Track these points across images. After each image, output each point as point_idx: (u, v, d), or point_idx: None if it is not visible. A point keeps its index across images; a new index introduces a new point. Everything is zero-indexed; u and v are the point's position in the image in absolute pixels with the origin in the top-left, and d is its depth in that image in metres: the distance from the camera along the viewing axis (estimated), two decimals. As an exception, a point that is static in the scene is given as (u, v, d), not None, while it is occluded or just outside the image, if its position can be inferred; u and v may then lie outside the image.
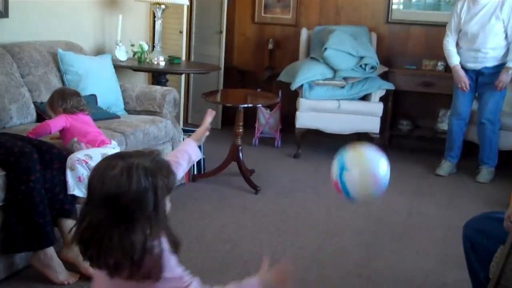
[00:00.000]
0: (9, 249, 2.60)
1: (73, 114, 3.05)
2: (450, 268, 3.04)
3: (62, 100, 3.07)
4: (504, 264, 1.79)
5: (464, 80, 4.63)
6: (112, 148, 3.01)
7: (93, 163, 2.79)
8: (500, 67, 4.53)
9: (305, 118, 5.10)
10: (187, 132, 4.33)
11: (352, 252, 3.23)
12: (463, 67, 4.65)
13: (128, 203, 1.32)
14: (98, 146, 2.98)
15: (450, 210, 4.00)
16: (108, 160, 1.38)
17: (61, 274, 2.66)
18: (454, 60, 4.67)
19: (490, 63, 4.55)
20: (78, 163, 2.79)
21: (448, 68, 4.93)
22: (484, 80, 4.59)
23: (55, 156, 2.79)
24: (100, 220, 1.32)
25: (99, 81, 3.97)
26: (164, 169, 1.44)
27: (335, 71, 5.07)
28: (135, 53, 4.90)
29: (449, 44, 4.70)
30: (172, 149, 3.99)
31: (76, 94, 3.17)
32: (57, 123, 3.02)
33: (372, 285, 2.86)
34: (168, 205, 1.50)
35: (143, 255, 1.33)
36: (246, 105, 4.16)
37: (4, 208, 2.57)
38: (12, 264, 2.69)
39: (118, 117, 3.82)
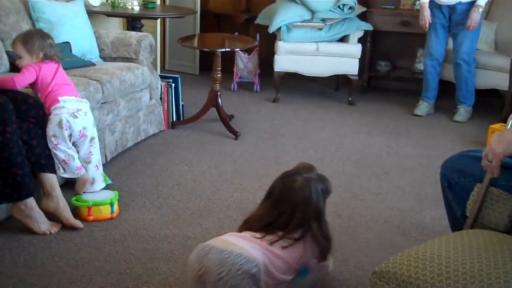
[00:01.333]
0: None
1: (44, 63, 2.90)
2: (428, 207, 3.11)
3: (44, 43, 2.89)
4: (481, 202, 1.83)
5: (425, 19, 4.62)
6: (75, 101, 2.92)
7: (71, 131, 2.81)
8: (474, 5, 4.50)
9: (283, 62, 5.06)
10: (164, 78, 4.29)
11: (332, 193, 3.26)
12: (437, 3, 4.61)
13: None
14: (53, 103, 2.83)
15: (428, 150, 4.05)
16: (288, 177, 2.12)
17: (43, 224, 2.66)
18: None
19: None
20: (56, 150, 2.78)
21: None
22: (457, 18, 4.56)
23: (31, 107, 2.75)
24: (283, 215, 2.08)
25: (72, 28, 3.87)
26: (326, 180, 2.17)
27: (313, 12, 5.00)
28: (108, -2, 4.78)
29: None
30: (150, 97, 3.95)
31: (52, 38, 3.03)
32: (25, 79, 2.84)
33: (351, 224, 2.92)
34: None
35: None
36: (223, 50, 4.10)
37: (-19, 161, 2.55)
38: (-7, 215, 2.69)
39: (93, 64, 3.75)
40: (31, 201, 2.64)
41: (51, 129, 2.79)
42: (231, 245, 1.94)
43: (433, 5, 4.65)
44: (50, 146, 2.79)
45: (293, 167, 2.20)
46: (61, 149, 2.80)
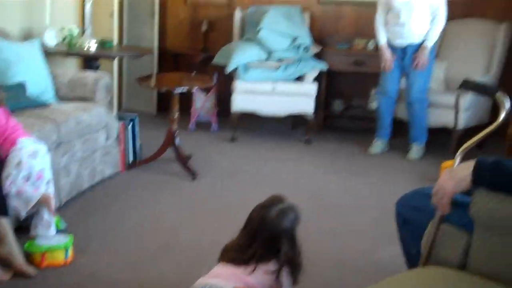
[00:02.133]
0: None
1: None
2: (384, 245, 3.14)
3: None
4: (433, 239, 1.86)
5: (387, 60, 4.75)
6: (33, 142, 2.87)
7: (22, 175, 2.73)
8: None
9: (241, 101, 5.11)
10: (122, 118, 4.27)
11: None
12: (390, 44, 4.76)
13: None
14: (11, 146, 2.79)
15: (383, 188, 4.11)
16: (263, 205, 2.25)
17: None
18: (381, 39, 4.78)
19: (416, 40, 4.65)
20: (11, 187, 2.70)
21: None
22: (410, 59, 4.71)
23: None
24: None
25: (28, 68, 3.83)
26: (296, 208, 2.30)
27: (269, 52, 5.09)
28: (64, 38, 4.75)
29: (378, 22, 4.80)
30: (107, 137, 3.92)
31: None
32: None
33: (307, 265, 2.90)
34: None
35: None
36: (181, 89, 4.12)
37: None
38: None
39: (49, 105, 3.71)
40: (3, 222, 2.56)
41: (9, 169, 2.72)
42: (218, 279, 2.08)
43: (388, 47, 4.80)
44: (6, 185, 2.71)
45: (267, 199, 2.35)
46: (16, 185, 2.71)
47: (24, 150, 2.76)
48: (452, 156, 1.96)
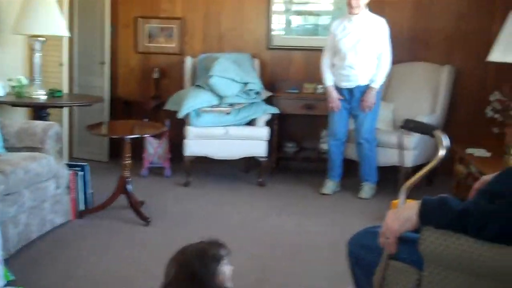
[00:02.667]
0: None
1: None
2: (340, 285, 3.14)
3: None
4: (383, 277, 1.89)
5: (334, 101, 4.86)
6: None
7: None
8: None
9: (193, 146, 5.12)
10: (72, 167, 4.21)
11: (245, 276, 3.26)
12: (337, 86, 4.88)
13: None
14: None
15: (336, 227, 4.15)
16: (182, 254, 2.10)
17: None
18: (327, 81, 4.90)
19: (363, 82, 4.79)
20: None
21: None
22: (357, 101, 4.83)
23: None
24: None
25: (-26, 119, 3.77)
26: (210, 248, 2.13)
27: (221, 97, 5.14)
28: (13, 88, 4.70)
29: (324, 65, 4.93)
30: (56, 185, 3.85)
31: None
32: None
33: (266, 307, 2.90)
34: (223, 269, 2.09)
35: None
36: (132, 136, 4.10)
37: None
38: None
39: (-4, 155, 3.64)
40: None
41: None
42: None
43: (335, 89, 4.91)
44: None
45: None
46: None
47: None
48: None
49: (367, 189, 4.94)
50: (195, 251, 2.05)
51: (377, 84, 4.76)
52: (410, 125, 2.26)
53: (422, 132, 2.25)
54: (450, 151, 4.86)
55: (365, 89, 4.78)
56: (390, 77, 5.43)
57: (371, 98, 4.75)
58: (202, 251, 2.05)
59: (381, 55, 4.76)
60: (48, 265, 3.31)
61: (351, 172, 5.26)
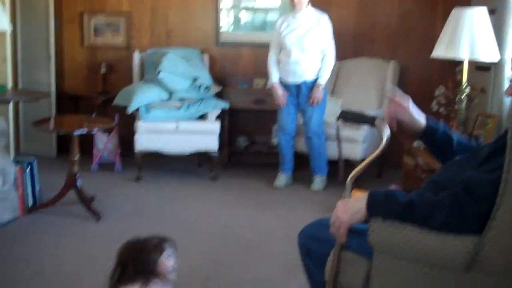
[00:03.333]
0: None
1: None
2: (293, 276, 3.19)
3: None
4: (336, 267, 1.93)
5: (280, 97, 4.92)
6: None
7: None
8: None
9: (144, 141, 5.08)
10: (19, 163, 4.12)
11: (199, 270, 3.27)
12: (284, 82, 4.93)
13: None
14: None
15: (289, 220, 4.20)
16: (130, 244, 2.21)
17: None
18: (273, 77, 4.96)
19: (309, 77, 4.85)
20: None
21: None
22: (304, 96, 4.90)
23: None
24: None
25: None
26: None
27: (170, 92, 5.12)
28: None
29: (271, 60, 4.97)
30: (3, 182, 3.76)
31: None
32: None
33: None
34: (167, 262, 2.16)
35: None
36: (80, 131, 4.04)
37: None
38: None
39: None
40: None
41: None
42: None
43: (282, 85, 4.96)
44: None
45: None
46: None
47: None
48: (354, 186, 2.05)
49: (318, 181, 5.02)
50: (138, 242, 2.17)
51: (324, 79, 4.84)
52: (348, 116, 2.29)
53: (361, 122, 2.27)
54: (398, 143, 4.99)
55: (312, 84, 4.85)
56: (337, 72, 5.54)
57: (318, 93, 4.83)
58: (145, 242, 2.16)
59: (326, 50, 4.85)
60: (-4, 264, 3.24)
61: (302, 165, 5.32)
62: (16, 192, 3.96)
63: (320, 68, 4.85)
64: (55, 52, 5.77)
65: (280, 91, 4.91)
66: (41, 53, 5.75)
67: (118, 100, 5.27)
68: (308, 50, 4.80)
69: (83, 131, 4.06)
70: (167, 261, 2.16)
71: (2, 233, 3.72)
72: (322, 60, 4.86)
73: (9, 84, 5.17)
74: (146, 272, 2.08)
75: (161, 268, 2.13)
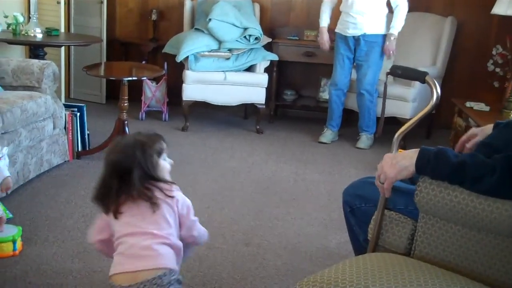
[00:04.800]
0: None
1: None
2: (333, 232, 3.19)
3: None
4: (379, 225, 1.91)
5: (324, 44, 4.84)
6: None
7: None
8: (378, 38, 4.72)
9: (191, 90, 5.08)
10: (69, 107, 4.19)
11: (241, 221, 3.30)
12: (342, 34, 4.81)
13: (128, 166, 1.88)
14: None
15: (333, 176, 4.18)
16: (118, 142, 1.98)
17: None
18: (323, 22, 4.86)
19: (369, 30, 4.69)
20: None
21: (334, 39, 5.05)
22: (362, 50, 4.77)
23: None
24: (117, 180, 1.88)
25: (-31, 55, 3.72)
26: (151, 140, 1.96)
27: (220, 42, 5.08)
28: (9, 25, 4.63)
29: (324, 5, 4.88)
30: (54, 126, 3.84)
31: None
32: None
33: (260, 252, 2.94)
34: (163, 162, 1.99)
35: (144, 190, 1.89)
36: (130, 78, 4.06)
37: None
38: None
39: (-8, 93, 3.61)
40: None
41: None
42: None
43: (339, 36, 4.85)
44: None
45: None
46: None
47: None
48: (400, 146, 2.00)
49: (365, 139, 4.95)
50: (136, 141, 1.93)
51: (396, 30, 4.67)
52: (398, 71, 2.20)
53: (412, 78, 2.19)
54: (449, 104, 4.85)
55: (371, 38, 4.71)
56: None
57: (391, 45, 4.67)
58: (143, 142, 1.93)
59: (396, 1, 4.67)
60: (45, 205, 3.34)
61: (349, 122, 5.25)
62: (65, 137, 4.04)
63: (393, 18, 4.68)
64: (106, 15, 5.77)
65: (325, 36, 4.83)
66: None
67: (167, 48, 5.27)
68: (372, 1, 4.64)
69: (133, 78, 4.09)
70: (165, 163, 2.00)
71: (51, 176, 3.82)
72: (395, 9, 4.69)
73: (62, 28, 5.23)
74: (151, 179, 1.91)
75: (160, 171, 1.96)
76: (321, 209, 3.54)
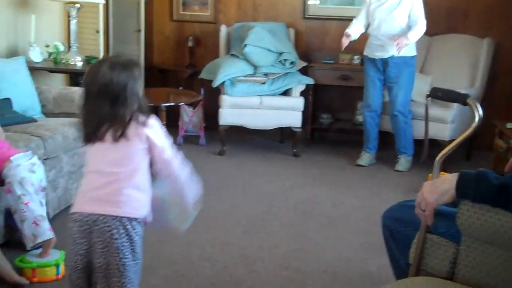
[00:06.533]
0: None
1: None
2: (373, 256, 3.15)
3: None
4: (421, 250, 1.87)
5: (342, 44, 4.77)
6: (26, 156, 2.88)
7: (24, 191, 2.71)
8: (407, 59, 4.69)
9: (228, 115, 5.12)
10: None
11: (280, 245, 3.28)
12: (371, 57, 4.81)
13: (114, 89, 1.84)
14: (3, 161, 2.78)
15: (371, 200, 4.13)
16: (95, 64, 1.92)
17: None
18: (348, 30, 4.80)
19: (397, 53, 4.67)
20: (26, 212, 2.70)
21: (364, 62, 5.06)
22: (391, 71, 4.74)
23: None
24: (99, 105, 1.85)
25: (13, 84, 3.83)
26: (135, 64, 1.95)
27: (255, 67, 5.12)
28: (50, 54, 4.76)
29: (353, 21, 4.85)
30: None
31: None
32: None
33: (299, 276, 2.92)
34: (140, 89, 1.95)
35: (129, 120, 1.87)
36: (168, 104, 4.12)
37: None
38: None
39: (35, 120, 3.70)
40: None
41: (16, 189, 2.71)
42: None
43: (367, 59, 4.86)
44: (19, 208, 2.70)
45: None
46: (32, 209, 2.72)
47: (20, 167, 2.76)
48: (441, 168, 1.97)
49: (403, 161, 4.89)
50: (132, 61, 1.95)
51: (411, 36, 4.55)
52: (439, 94, 2.18)
53: (453, 100, 2.16)
54: (489, 125, 4.77)
55: (399, 60, 4.68)
56: (427, 48, 5.33)
57: (403, 41, 4.50)
58: (135, 64, 1.94)
59: (417, 19, 4.61)
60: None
61: (387, 144, 5.20)
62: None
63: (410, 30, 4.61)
64: (144, 25, 5.89)
65: (346, 40, 4.76)
66: (132, 26, 5.89)
67: (204, 74, 5.34)
68: (397, 24, 4.64)
69: (170, 103, 4.14)
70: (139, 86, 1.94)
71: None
72: (412, 26, 4.62)
73: (101, 56, 5.35)
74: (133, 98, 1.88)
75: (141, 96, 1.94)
76: (360, 233, 3.50)
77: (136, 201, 1.93)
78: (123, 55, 2.02)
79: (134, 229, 1.92)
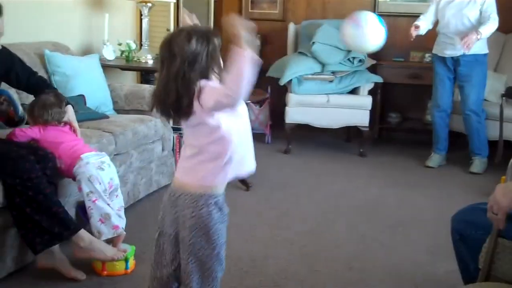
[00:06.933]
0: (40, 246, 2.59)
1: (50, 125, 2.95)
2: (441, 260, 3.07)
3: (44, 111, 2.94)
4: (492, 254, 1.81)
5: (411, 33, 4.64)
6: (97, 155, 2.96)
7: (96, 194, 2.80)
8: (479, 57, 4.54)
9: (294, 113, 5.11)
10: (177, 130, 4.34)
11: (344, 245, 3.25)
12: (440, 56, 4.68)
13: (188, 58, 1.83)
14: (75, 161, 2.86)
15: (441, 202, 4.02)
16: (174, 32, 1.93)
17: (108, 251, 2.75)
18: (417, 22, 4.70)
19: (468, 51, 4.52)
20: (93, 209, 2.79)
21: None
22: (462, 70, 4.61)
23: (46, 160, 2.77)
24: (172, 72, 1.81)
25: (87, 81, 3.96)
26: (214, 34, 1.95)
27: (323, 65, 5.08)
28: (122, 52, 4.89)
29: (421, 16, 4.75)
30: (162, 148, 3.99)
31: (57, 104, 3.01)
32: (26, 135, 2.90)
33: (363, 277, 2.88)
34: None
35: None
36: (235, 102, 4.15)
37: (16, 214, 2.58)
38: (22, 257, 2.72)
39: (107, 117, 3.81)
40: (83, 233, 2.68)
41: (85, 186, 2.81)
42: None
43: (437, 58, 4.73)
44: (87, 205, 2.80)
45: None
46: (99, 206, 2.79)
47: (89, 165, 2.84)
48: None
49: (478, 163, 4.72)
50: (210, 30, 1.98)
51: (483, 30, 4.37)
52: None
53: None
54: None
55: (471, 58, 4.53)
56: (502, 46, 5.15)
57: (472, 37, 4.33)
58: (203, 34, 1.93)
59: (490, 15, 4.43)
60: (155, 224, 3.44)
61: (457, 145, 5.06)
62: (173, 158, 4.18)
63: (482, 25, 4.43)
64: (213, 23, 5.96)
65: (413, 31, 4.64)
66: (202, 24, 5.94)
67: (271, 72, 5.35)
68: (468, 21, 4.49)
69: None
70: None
71: (160, 196, 3.92)
72: (484, 22, 4.44)
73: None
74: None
75: None
76: (428, 236, 3.41)
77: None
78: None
79: None
